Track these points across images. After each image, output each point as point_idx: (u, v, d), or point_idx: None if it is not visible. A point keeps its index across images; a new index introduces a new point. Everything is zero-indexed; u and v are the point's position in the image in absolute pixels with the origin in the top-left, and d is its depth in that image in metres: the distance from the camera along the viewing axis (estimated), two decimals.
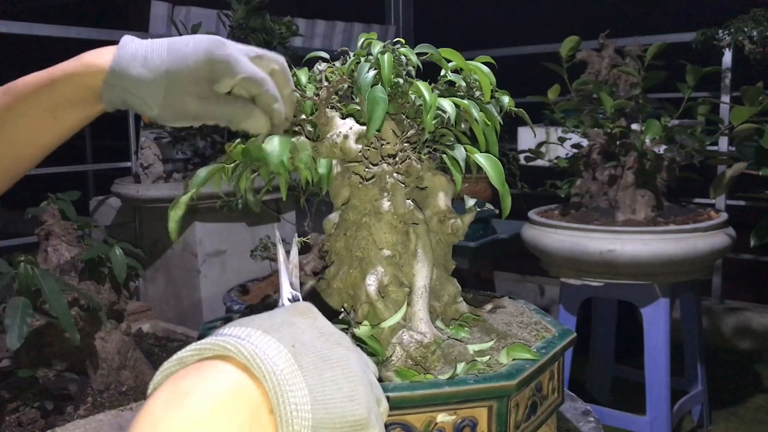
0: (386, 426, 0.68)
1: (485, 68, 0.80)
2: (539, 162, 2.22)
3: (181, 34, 2.90)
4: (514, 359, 0.76)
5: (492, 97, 0.81)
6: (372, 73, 0.75)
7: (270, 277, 2.24)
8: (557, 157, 2.14)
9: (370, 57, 0.77)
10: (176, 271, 2.61)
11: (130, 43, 0.66)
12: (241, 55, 0.67)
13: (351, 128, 0.77)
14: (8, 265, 1.36)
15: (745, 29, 2.14)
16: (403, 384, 0.69)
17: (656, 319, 1.89)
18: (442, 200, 0.85)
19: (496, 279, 3.01)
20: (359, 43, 0.81)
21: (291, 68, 0.81)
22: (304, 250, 2.06)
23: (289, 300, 0.59)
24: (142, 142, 2.59)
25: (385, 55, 0.75)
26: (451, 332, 0.82)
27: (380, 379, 0.71)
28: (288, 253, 0.64)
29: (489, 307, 0.94)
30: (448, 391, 0.68)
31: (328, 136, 0.78)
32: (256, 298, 1.97)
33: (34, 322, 1.43)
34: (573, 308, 2.05)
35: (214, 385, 0.36)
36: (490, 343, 0.80)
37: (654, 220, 1.88)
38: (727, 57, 2.64)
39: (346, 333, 0.75)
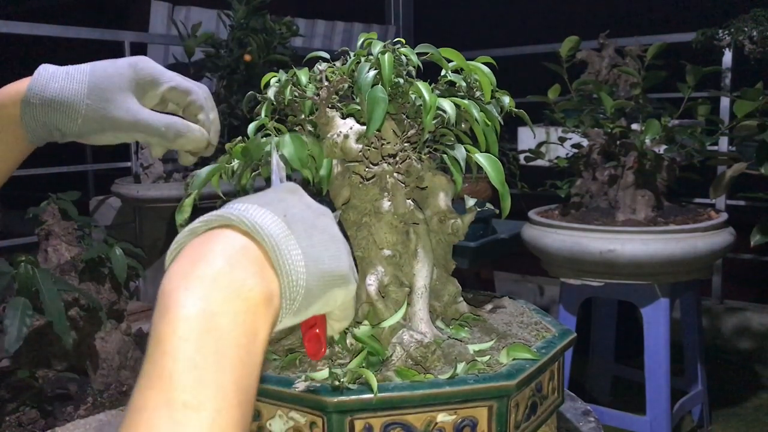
0: (386, 426, 0.68)
1: (485, 68, 0.80)
2: (539, 162, 2.22)
3: (181, 34, 2.91)
4: (514, 359, 0.76)
5: (492, 97, 0.81)
6: (372, 73, 0.75)
7: None
8: (557, 157, 2.14)
9: (371, 57, 0.77)
10: None
11: (49, 67, 0.64)
12: (166, 69, 0.68)
13: (351, 128, 0.77)
14: (8, 265, 1.36)
15: (745, 29, 2.14)
16: (404, 384, 0.69)
17: (656, 319, 1.89)
18: (443, 200, 0.85)
19: (496, 279, 3.01)
20: (359, 43, 0.81)
21: (291, 68, 0.81)
22: None
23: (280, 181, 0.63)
24: (142, 143, 2.59)
25: (386, 55, 0.75)
26: (451, 332, 0.82)
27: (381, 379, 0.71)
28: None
29: (489, 307, 0.94)
30: (448, 391, 0.68)
31: (328, 135, 0.78)
32: None
33: (34, 322, 1.43)
34: (573, 308, 2.05)
35: (226, 246, 0.43)
36: (490, 343, 0.80)
37: (654, 220, 1.88)
38: (727, 57, 2.64)
39: (346, 334, 0.75)
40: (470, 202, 0.88)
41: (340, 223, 0.54)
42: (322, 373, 0.70)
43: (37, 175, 2.67)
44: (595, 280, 1.89)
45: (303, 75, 0.79)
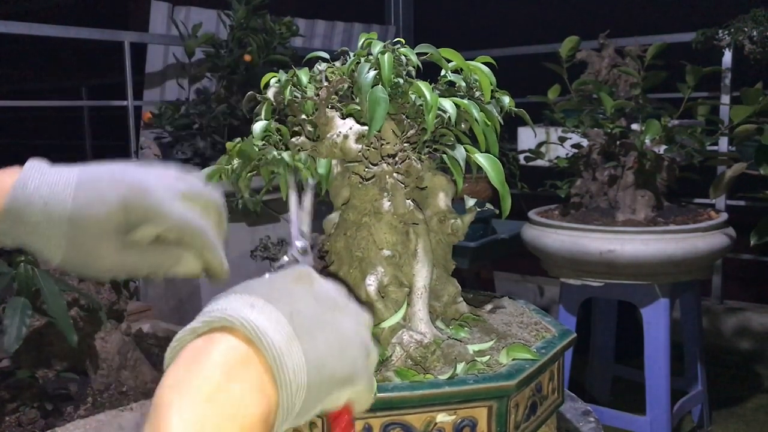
0: (386, 426, 0.68)
1: (485, 68, 0.80)
2: (539, 162, 2.22)
3: (181, 34, 2.91)
4: (513, 359, 0.76)
5: (492, 97, 0.81)
6: (372, 73, 0.74)
7: None
8: (557, 157, 2.14)
9: (371, 57, 0.77)
10: None
11: (31, 178, 0.56)
12: (169, 198, 0.56)
13: (351, 128, 0.77)
14: (8, 265, 1.36)
15: (745, 29, 2.14)
16: (403, 384, 0.69)
17: (656, 319, 1.89)
18: (442, 200, 0.85)
19: (496, 279, 3.00)
20: (359, 43, 0.81)
21: (291, 68, 0.81)
22: None
23: (299, 251, 0.60)
24: (142, 142, 2.59)
25: (385, 55, 0.75)
26: (451, 332, 0.82)
27: (382, 380, 0.71)
28: (301, 199, 0.63)
29: (489, 307, 0.94)
30: (447, 391, 0.68)
31: (328, 136, 0.78)
32: None
33: (34, 322, 1.43)
34: (573, 308, 2.05)
35: (226, 356, 0.41)
36: (490, 343, 0.80)
37: (654, 220, 1.88)
38: (727, 57, 2.63)
39: None
40: (470, 202, 0.88)
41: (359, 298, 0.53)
42: None
43: None
44: (595, 280, 1.88)
45: (303, 75, 0.79)
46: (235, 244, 2.57)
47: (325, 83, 0.78)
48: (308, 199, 0.63)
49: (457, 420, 0.70)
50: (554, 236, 1.89)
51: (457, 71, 0.82)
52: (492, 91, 0.81)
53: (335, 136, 0.77)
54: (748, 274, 3.21)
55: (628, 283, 1.86)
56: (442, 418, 0.69)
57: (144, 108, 2.86)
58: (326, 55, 0.84)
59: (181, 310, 2.58)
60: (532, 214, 2.07)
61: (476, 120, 0.76)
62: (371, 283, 0.78)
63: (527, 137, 2.67)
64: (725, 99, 2.64)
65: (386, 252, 0.79)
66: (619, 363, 2.41)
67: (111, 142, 3.53)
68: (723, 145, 2.68)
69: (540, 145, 2.25)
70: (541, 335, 0.85)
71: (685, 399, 2.08)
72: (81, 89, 4.64)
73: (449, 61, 0.80)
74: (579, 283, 1.92)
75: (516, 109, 0.86)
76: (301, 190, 0.67)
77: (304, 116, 0.80)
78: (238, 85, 2.66)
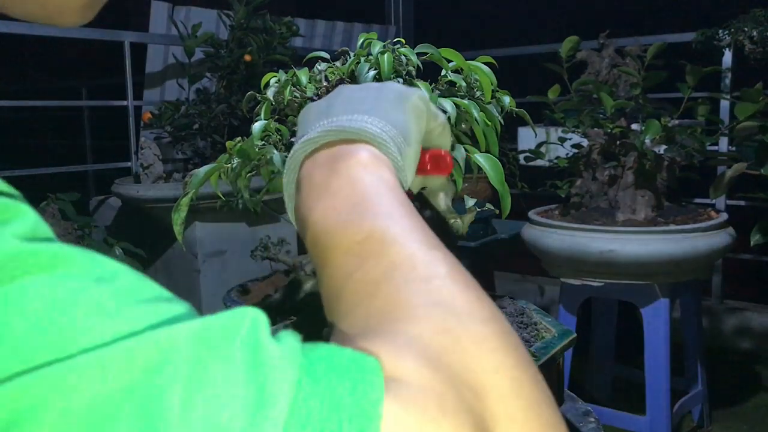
0: None
1: (486, 68, 0.80)
2: (539, 162, 2.22)
3: (181, 34, 2.90)
4: None
5: (493, 97, 0.81)
6: (372, 72, 0.74)
7: (270, 277, 2.24)
8: (557, 157, 2.14)
9: (370, 57, 0.77)
10: (176, 271, 2.61)
11: None
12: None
13: None
14: None
15: (745, 29, 2.14)
16: None
17: (656, 319, 1.89)
18: (442, 200, 0.85)
19: (496, 279, 3.00)
20: (359, 43, 0.81)
21: (291, 68, 0.81)
22: (304, 249, 2.05)
23: None
24: (142, 142, 2.59)
25: (385, 55, 0.75)
26: None
27: None
28: None
29: None
30: None
31: None
32: (256, 298, 1.97)
33: None
34: (573, 308, 2.05)
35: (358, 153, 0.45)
36: None
37: (654, 220, 1.88)
38: (727, 57, 2.64)
39: None
40: (470, 202, 0.88)
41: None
42: None
43: (37, 175, 2.67)
44: (595, 280, 1.88)
45: (303, 75, 0.79)
46: (235, 244, 2.57)
47: (325, 83, 0.78)
48: None
49: None
50: (554, 236, 1.89)
51: (457, 71, 0.82)
52: (492, 91, 0.81)
53: None
54: (748, 274, 3.21)
55: (628, 283, 1.86)
56: None
57: (144, 108, 2.86)
58: (326, 55, 0.84)
59: None
60: (532, 214, 2.07)
61: (476, 120, 0.76)
62: None
63: (527, 137, 2.68)
64: (726, 99, 2.64)
65: None
66: (619, 363, 2.41)
67: (111, 142, 3.53)
68: (723, 145, 2.68)
69: (540, 145, 2.25)
70: (540, 335, 0.85)
71: (685, 399, 2.08)
72: (81, 90, 4.64)
73: (449, 62, 0.80)
74: (579, 283, 1.92)
75: (516, 110, 0.86)
76: None
77: None
78: (238, 85, 2.66)
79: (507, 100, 0.84)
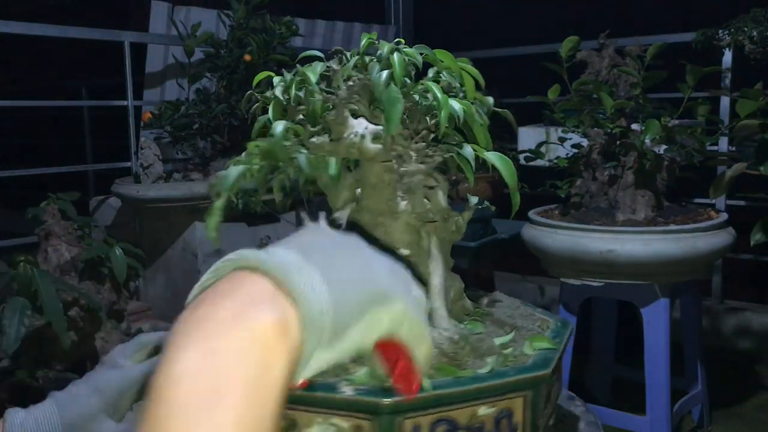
0: (434, 424, 0.68)
1: (474, 70, 0.81)
2: (539, 162, 2.22)
3: (181, 34, 2.90)
4: (536, 350, 0.78)
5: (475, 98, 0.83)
6: (386, 72, 0.74)
7: None
8: (557, 157, 2.14)
9: (380, 57, 0.77)
10: (176, 271, 2.61)
11: (16, 418, 0.65)
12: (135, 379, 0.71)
13: (366, 128, 0.76)
14: (7, 265, 1.36)
15: (745, 29, 2.14)
16: (450, 380, 0.70)
17: (656, 319, 1.89)
18: (442, 198, 0.86)
19: (496, 279, 3.00)
20: (361, 44, 0.81)
21: (295, 66, 0.81)
22: None
23: None
24: (142, 142, 2.59)
25: (395, 55, 0.75)
26: (468, 327, 0.83)
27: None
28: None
29: (486, 301, 0.95)
30: (491, 385, 0.70)
31: (344, 136, 0.76)
32: None
33: (34, 322, 1.43)
34: (573, 308, 2.05)
35: (233, 283, 0.40)
36: (511, 335, 0.82)
37: (654, 220, 1.88)
38: (727, 57, 2.63)
39: None
40: (473, 200, 0.89)
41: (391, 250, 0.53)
42: (361, 375, 0.69)
43: (37, 175, 2.67)
44: (595, 280, 1.88)
45: (311, 73, 0.78)
46: (234, 244, 2.56)
47: (346, 83, 0.77)
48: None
49: (496, 412, 0.71)
50: (554, 236, 1.89)
51: (439, 73, 0.83)
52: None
53: (353, 136, 0.76)
54: (748, 274, 3.21)
55: (628, 283, 1.86)
56: (484, 410, 0.70)
57: (144, 108, 2.86)
58: (320, 54, 0.84)
59: (181, 309, 2.58)
60: (532, 214, 2.07)
61: (477, 119, 0.77)
62: None
63: (527, 137, 2.67)
64: (725, 99, 2.64)
65: (404, 251, 0.79)
66: (619, 363, 2.41)
67: (111, 142, 3.53)
68: (723, 145, 2.68)
69: (540, 145, 2.25)
70: (545, 325, 0.87)
71: (685, 399, 2.08)
72: (81, 89, 4.64)
73: (442, 62, 0.81)
74: (579, 283, 1.91)
75: (500, 110, 0.87)
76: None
77: (309, 116, 0.79)
78: (238, 85, 2.66)
79: (491, 100, 0.86)
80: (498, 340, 0.80)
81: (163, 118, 2.59)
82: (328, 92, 0.78)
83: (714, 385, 2.26)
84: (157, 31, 2.95)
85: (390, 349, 0.48)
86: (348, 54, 0.81)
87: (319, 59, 0.82)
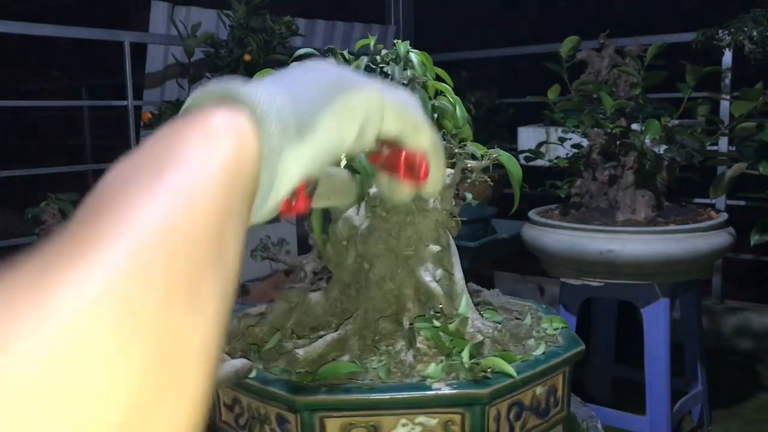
0: (510, 407, 0.71)
1: (444, 72, 0.84)
2: (539, 162, 2.22)
3: (181, 34, 2.90)
4: (556, 328, 0.83)
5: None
6: (410, 72, 0.77)
7: (270, 277, 2.24)
8: (557, 157, 2.14)
9: (397, 57, 0.79)
10: None
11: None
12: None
13: None
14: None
15: (745, 29, 2.14)
16: (520, 365, 0.73)
17: (656, 319, 1.89)
18: (451, 196, 0.87)
19: (496, 279, 3.01)
20: (356, 48, 0.82)
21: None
22: (304, 249, 2.06)
23: None
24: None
25: (413, 55, 0.78)
26: (489, 317, 0.86)
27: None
28: None
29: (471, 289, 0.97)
30: (549, 365, 0.75)
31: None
32: (256, 299, 1.97)
33: None
34: (573, 308, 2.05)
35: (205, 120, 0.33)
36: (528, 320, 0.86)
37: (654, 220, 1.88)
38: (727, 57, 2.63)
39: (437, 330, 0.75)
40: (468, 196, 0.91)
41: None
42: (437, 370, 0.70)
43: (37, 175, 2.67)
44: (595, 280, 1.88)
45: None
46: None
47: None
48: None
49: (546, 390, 0.76)
50: (554, 236, 1.89)
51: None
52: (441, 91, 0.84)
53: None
54: (748, 274, 3.21)
55: (628, 283, 1.86)
56: (539, 390, 0.75)
57: (144, 108, 2.86)
58: (317, 54, 0.84)
59: None
60: (532, 214, 2.07)
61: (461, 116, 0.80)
62: (430, 279, 0.80)
63: (527, 137, 2.67)
64: (725, 99, 2.64)
65: (435, 247, 0.80)
66: (619, 363, 2.41)
67: (111, 142, 3.53)
68: (723, 145, 2.68)
69: (540, 145, 2.25)
70: (531, 308, 0.92)
71: (685, 399, 2.08)
72: (81, 89, 4.64)
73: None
74: (579, 283, 1.92)
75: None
76: None
77: None
78: None
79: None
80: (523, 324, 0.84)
81: (163, 118, 2.59)
82: None
83: (714, 385, 2.26)
84: (157, 31, 2.95)
85: (393, 156, 0.45)
86: (345, 53, 0.82)
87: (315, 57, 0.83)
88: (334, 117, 0.38)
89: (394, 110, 0.42)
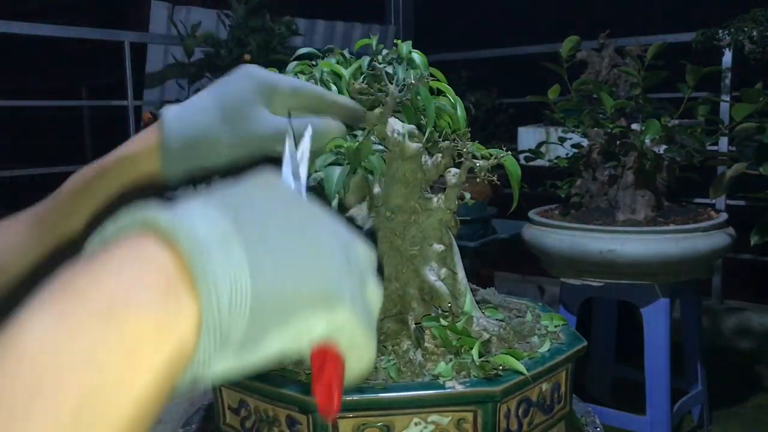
0: (519, 403, 0.71)
1: (438, 71, 0.84)
2: (539, 162, 2.21)
3: (180, 34, 2.91)
4: (557, 326, 0.83)
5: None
6: (414, 72, 0.77)
7: None
8: (557, 157, 2.14)
9: (398, 57, 0.79)
10: None
11: (170, 109, 0.61)
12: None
13: (403, 127, 0.78)
14: None
15: (745, 29, 2.14)
16: (530, 362, 0.73)
17: (656, 319, 1.89)
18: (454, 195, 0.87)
19: (496, 279, 3.01)
20: (356, 47, 0.82)
21: (316, 63, 0.81)
22: None
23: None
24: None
25: (415, 55, 0.78)
26: (491, 315, 0.86)
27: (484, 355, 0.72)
28: (297, 142, 0.53)
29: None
30: (555, 362, 0.75)
31: (388, 134, 0.77)
32: None
33: None
34: (573, 308, 2.05)
35: (122, 254, 0.30)
36: (529, 316, 0.86)
37: (654, 220, 1.88)
38: (727, 57, 2.63)
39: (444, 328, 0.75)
40: (467, 196, 0.90)
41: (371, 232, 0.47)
42: (447, 369, 0.70)
43: (37, 175, 2.67)
44: (595, 280, 1.88)
45: (344, 70, 0.78)
46: None
47: (397, 84, 0.78)
48: (305, 144, 0.53)
49: (551, 386, 0.76)
50: (554, 236, 1.89)
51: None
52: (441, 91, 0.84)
53: (395, 134, 0.76)
54: (748, 274, 3.21)
55: (628, 283, 1.86)
56: (545, 386, 0.75)
57: (144, 108, 2.86)
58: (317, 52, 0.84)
59: None
60: (532, 214, 2.07)
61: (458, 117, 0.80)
62: (435, 278, 0.80)
63: (527, 137, 2.67)
64: (725, 102, 2.64)
65: (438, 246, 0.80)
66: (619, 363, 2.41)
67: (111, 142, 3.53)
68: (723, 145, 2.68)
69: (540, 145, 2.25)
70: (528, 305, 0.92)
71: (685, 399, 2.08)
72: (81, 89, 4.65)
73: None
74: (579, 283, 1.91)
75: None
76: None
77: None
78: None
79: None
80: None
81: None
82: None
83: (714, 385, 2.25)
84: (157, 31, 2.95)
85: (319, 352, 0.38)
86: (344, 53, 0.82)
87: (318, 58, 0.83)
88: (286, 338, 0.33)
89: (353, 334, 0.36)
